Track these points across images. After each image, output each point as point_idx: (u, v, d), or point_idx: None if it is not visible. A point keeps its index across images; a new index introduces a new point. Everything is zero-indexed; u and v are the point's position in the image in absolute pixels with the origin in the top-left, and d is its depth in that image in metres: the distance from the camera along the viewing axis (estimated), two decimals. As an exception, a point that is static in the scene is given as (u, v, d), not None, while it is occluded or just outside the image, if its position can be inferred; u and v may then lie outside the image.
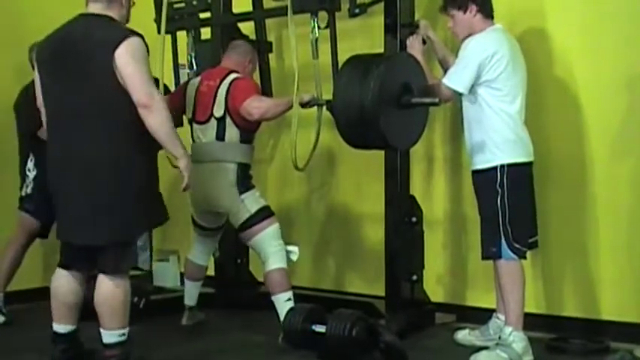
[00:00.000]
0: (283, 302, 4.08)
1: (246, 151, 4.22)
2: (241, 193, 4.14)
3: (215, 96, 4.16)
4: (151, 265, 3.57)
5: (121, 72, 3.35)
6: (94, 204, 3.41)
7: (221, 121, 4.15)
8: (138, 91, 3.35)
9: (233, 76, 4.20)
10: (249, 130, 4.21)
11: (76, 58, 3.41)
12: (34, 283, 5.03)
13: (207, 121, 4.19)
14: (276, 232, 4.18)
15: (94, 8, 3.52)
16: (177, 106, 4.36)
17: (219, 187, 4.14)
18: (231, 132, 4.15)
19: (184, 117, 4.42)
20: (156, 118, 3.38)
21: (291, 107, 4.11)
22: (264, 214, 4.16)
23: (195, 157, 4.24)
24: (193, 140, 4.29)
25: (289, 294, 4.12)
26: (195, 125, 4.27)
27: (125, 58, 3.34)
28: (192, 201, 4.34)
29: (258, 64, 4.80)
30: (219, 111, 4.14)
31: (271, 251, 4.14)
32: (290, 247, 4.21)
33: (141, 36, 3.44)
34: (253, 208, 4.14)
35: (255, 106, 4.08)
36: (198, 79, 4.34)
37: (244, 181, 4.18)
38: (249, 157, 4.26)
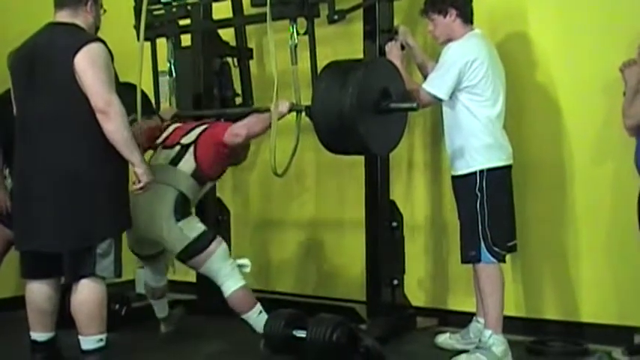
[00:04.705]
0: (255, 318, 4.01)
1: (192, 185, 4.06)
2: (178, 220, 3.95)
3: (190, 130, 4.18)
4: (116, 273, 3.54)
5: (80, 78, 3.36)
6: (55, 210, 3.40)
7: (184, 148, 4.10)
8: (95, 96, 3.36)
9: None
10: (205, 174, 4.10)
11: (41, 66, 3.43)
12: (8, 292, 4.98)
13: (173, 147, 4.15)
14: (225, 252, 4.03)
15: (60, 16, 3.54)
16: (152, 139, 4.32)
17: (158, 213, 3.95)
18: (188, 162, 4.06)
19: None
20: (113, 124, 3.38)
21: (270, 125, 4.05)
22: (207, 237, 3.99)
23: None
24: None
25: (258, 307, 4.03)
26: (160, 148, 4.22)
27: (84, 64, 3.36)
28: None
29: (239, 70, 4.81)
30: (187, 140, 4.13)
31: (225, 273, 3.99)
32: (240, 261, 4.08)
33: (103, 42, 3.45)
34: (192, 234, 3.95)
35: (239, 126, 4.07)
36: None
37: (181, 210, 3.98)
38: (194, 194, 4.09)
